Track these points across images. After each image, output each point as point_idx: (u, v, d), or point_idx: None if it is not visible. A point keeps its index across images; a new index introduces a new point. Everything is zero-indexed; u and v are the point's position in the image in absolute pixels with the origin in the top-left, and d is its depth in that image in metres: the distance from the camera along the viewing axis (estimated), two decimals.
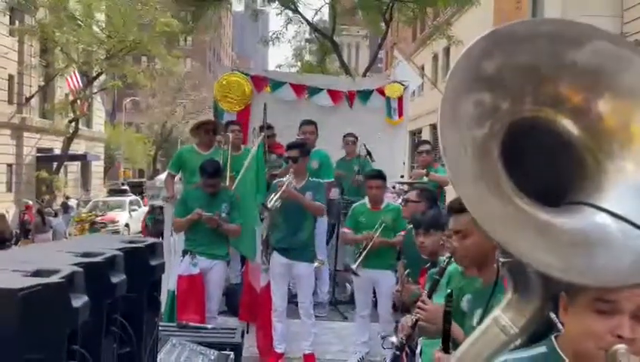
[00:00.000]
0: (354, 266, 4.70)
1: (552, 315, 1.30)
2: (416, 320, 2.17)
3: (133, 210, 19.42)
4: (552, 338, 1.25)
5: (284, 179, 4.67)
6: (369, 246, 4.59)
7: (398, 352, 2.37)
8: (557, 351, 1.20)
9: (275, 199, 4.53)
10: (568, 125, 1.20)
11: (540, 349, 1.23)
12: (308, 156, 4.97)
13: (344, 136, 6.37)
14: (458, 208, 1.97)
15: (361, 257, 4.61)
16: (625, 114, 1.19)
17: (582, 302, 1.15)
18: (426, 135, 22.56)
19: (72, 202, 20.17)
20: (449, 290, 1.94)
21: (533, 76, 1.16)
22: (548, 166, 1.23)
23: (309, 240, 4.88)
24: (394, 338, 2.62)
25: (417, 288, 4.32)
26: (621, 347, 1.08)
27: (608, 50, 1.20)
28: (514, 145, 1.14)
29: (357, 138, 6.35)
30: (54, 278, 1.38)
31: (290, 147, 4.89)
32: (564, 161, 1.21)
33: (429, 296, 2.18)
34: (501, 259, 1.31)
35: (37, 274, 1.41)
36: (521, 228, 1.09)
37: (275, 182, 4.91)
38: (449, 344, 1.94)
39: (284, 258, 4.80)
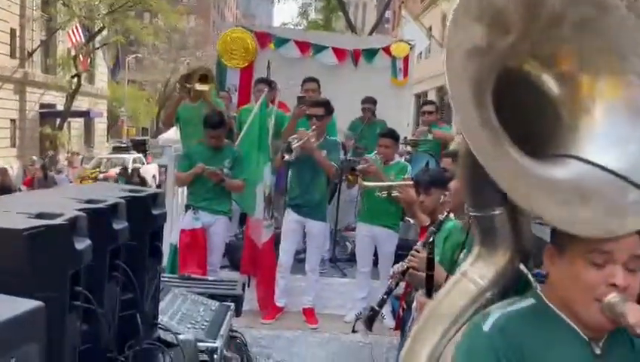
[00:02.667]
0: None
1: (523, 267, 1.31)
2: (407, 268, 2.21)
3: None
4: (538, 290, 1.26)
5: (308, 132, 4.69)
6: (369, 165, 4.64)
7: (385, 296, 2.42)
8: (545, 302, 1.22)
9: (294, 146, 4.56)
10: (549, 80, 1.23)
11: (528, 301, 1.23)
12: (331, 115, 4.98)
13: (362, 102, 6.29)
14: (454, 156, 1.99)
15: (363, 166, 4.68)
16: (602, 67, 1.21)
17: (573, 253, 1.16)
18: (431, 98, 22.33)
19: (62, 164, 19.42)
20: (431, 239, 1.98)
21: (538, 18, 1.15)
22: (527, 118, 1.25)
23: (322, 198, 4.95)
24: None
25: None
26: (614, 296, 1.11)
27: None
28: (500, 96, 1.16)
29: (373, 102, 6.26)
30: (58, 221, 1.40)
31: (314, 104, 4.90)
32: (541, 114, 1.23)
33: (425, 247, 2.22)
34: (471, 213, 1.33)
35: (40, 216, 1.43)
36: (533, 185, 1.12)
37: (291, 138, 4.95)
38: (432, 290, 2.00)
39: (297, 215, 4.87)
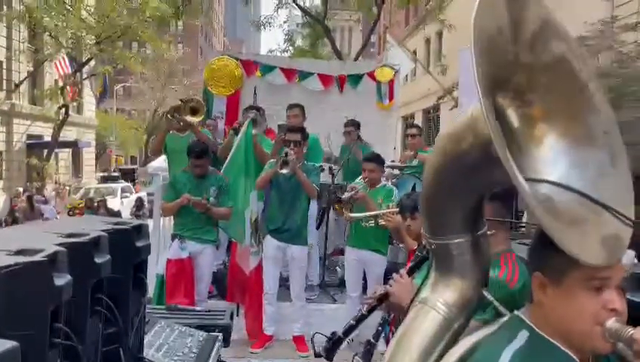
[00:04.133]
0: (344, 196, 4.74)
1: (485, 292, 1.31)
2: (387, 292, 2.03)
3: (125, 197, 19.36)
4: (525, 319, 1.22)
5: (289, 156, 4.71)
6: (355, 193, 4.63)
7: (354, 323, 2.17)
8: (540, 334, 1.19)
9: (282, 162, 4.60)
10: (512, 113, 1.23)
11: (523, 335, 1.20)
12: (307, 141, 5.03)
13: (345, 125, 6.31)
14: None
15: (349, 195, 4.66)
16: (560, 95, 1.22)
17: (572, 281, 1.14)
18: (418, 120, 22.54)
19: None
20: (416, 264, 1.97)
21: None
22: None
23: (302, 223, 4.93)
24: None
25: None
26: (615, 321, 1.11)
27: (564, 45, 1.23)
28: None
29: (356, 125, 6.31)
30: (37, 257, 1.39)
31: (290, 130, 4.95)
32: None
33: (410, 272, 2.15)
34: (429, 241, 1.32)
35: (20, 253, 1.42)
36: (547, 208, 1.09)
37: (270, 161, 4.95)
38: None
39: (277, 241, 4.84)
